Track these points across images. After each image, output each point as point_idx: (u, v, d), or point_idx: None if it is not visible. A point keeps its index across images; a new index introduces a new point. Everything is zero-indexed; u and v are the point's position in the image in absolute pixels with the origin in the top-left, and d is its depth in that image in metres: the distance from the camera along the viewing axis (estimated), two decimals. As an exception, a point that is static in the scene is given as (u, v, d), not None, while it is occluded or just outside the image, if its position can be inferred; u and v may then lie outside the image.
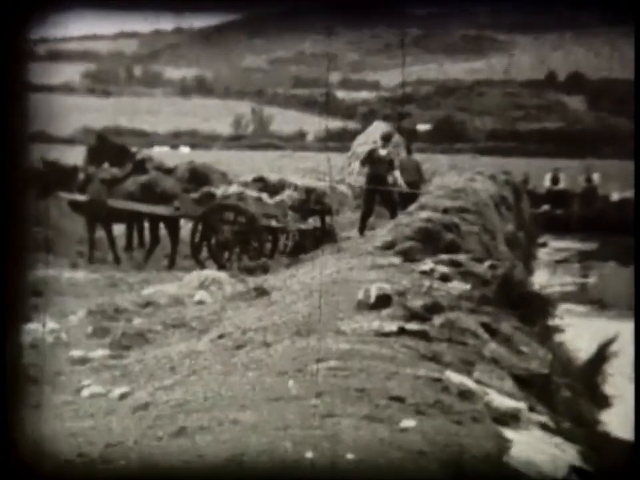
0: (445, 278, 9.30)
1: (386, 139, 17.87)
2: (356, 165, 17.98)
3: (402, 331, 6.71)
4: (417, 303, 7.59)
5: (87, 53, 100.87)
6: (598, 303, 16.60)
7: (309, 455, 4.14)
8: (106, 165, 16.36)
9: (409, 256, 10.80)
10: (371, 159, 17.20)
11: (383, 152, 17.17)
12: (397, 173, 17.24)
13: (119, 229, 16.72)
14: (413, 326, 6.87)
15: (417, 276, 9.31)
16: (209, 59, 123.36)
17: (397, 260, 10.62)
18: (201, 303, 10.17)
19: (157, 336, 8.33)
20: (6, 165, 4.07)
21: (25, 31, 4.17)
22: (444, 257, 10.52)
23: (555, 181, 30.97)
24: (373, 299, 7.72)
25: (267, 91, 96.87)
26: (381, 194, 17.03)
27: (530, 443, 4.77)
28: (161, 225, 16.11)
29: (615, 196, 29.83)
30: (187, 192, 15.89)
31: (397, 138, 25.89)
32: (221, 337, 7.27)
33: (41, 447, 4.13)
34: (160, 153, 29.67)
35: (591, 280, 21.20)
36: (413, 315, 7.26)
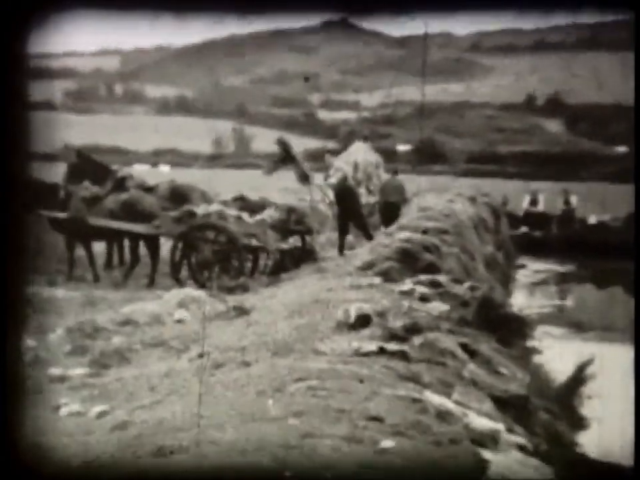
0: (424, 298, 9.32)
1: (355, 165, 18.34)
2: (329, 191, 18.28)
3: (381, 351, 6.73)
4: (396, 323, 7.61)
5: (67, 70, 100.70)
6: (575, 325, 16.66)
7: (288, 474, 4.14)
8: (86, 183, 16.31)
9: (388, 276, 10.83)
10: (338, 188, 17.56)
11: (337, 175, 17.58)
12: (365, 194, 17.47)
13: (99, 247, 16.65)
14: (392, 346, 6.89)
15: (396, 296, 9.33)
16: (189, 77, 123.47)
17: (376, 280, 10.64)
18: (180, 321, 10.15)
19: (136, 355, 8.30)
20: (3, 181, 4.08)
21: (16, 44, 4.18)
22: (423, 277, 10.54)
23: (533, 203, 31.13)
24: (352, 319, 7.73)
25: (247, 110, 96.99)
26: (352, 216, 17.23)
27: (508, 465, 4.78)
28: (141, 244, 16.07)
29: (593, 219, 30.00)
30: (167, 210, 15.86)
31: (377, 158, 25.98)
32: (200, 356, 7.25)
33: (40, 450, 4.12)
34: (140, 171, 29.61)
35: (569, 302, 21.28)
36: (392, 335, 7.28)
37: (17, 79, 4.33)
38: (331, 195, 18.01)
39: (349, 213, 17.21)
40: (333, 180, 17.43)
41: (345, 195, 17.23)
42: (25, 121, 4.47)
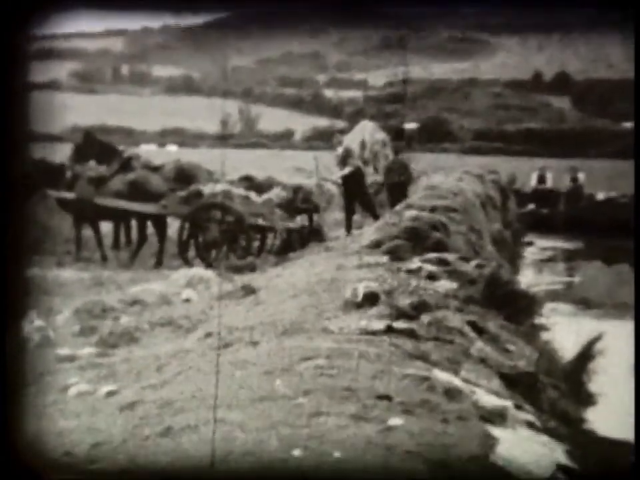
0: (432, 277, 9.31)
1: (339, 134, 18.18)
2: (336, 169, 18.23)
3: (389, 330, 6.72)
4: (404, 301, 7.60)
5: (74, 50, 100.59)
6: (583, 302, 16.66)
7: (296, 453, 4.14)
8: (93, 163, 16.32)
9: (396, 255, 10.82)
10: (343, 159, 17.42)
11: (338, 151, 17.44)
12: (349, 169, 17.35)
13: (106, 227, 16.67)
14: (400, 324, 6.88)
15: (404, 275, 9.32)
16: (196, 58, 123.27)
17: (384, 259, 10.63)
18: (188, 301, 10.16)
19: (143, 334, 8.32)
20: (5, 164, 4.07)
21: (18, 29, 4.16)
22: (431, 255, 10.52)
23: (541, 180, 31.07)
24: (360, 298, 7.73)
25: (254, 90, 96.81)
26: (359, 196, 17.18)
27: (516, 442, 4.78)
28: (148, 224, 16.08)
29: (601, 195, 29.96)
30: (174, 190, 15.87)
31: (383, 137, 25.93)
32: (208, 335, 7.26)
33: (38, 446, 4.12)
34: (147, 151, 29.61)
35: (577, 279, 21.28)
36: (400, 314, 7.27)
37: (22, 60, 4.32)
38: (337, 174, 17.97)
39: (356, 192, 17.18)
40: (347, 170, 17.35)
41: (350, 175, 17.19)
42: (30, 102, 4.45)
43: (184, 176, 16.53)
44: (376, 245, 11.60)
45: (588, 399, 8.99)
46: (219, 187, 15.92)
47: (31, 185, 14.17)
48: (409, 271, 9.57)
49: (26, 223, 4.24)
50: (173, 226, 16.09)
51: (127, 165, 16.36)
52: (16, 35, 4.25)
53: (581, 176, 30.78)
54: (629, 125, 64.68)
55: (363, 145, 24.27)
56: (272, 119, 75.32)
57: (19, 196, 4.19)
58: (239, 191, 16.05)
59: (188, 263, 14.91)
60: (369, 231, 13.58)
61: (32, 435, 4.22)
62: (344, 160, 17.27)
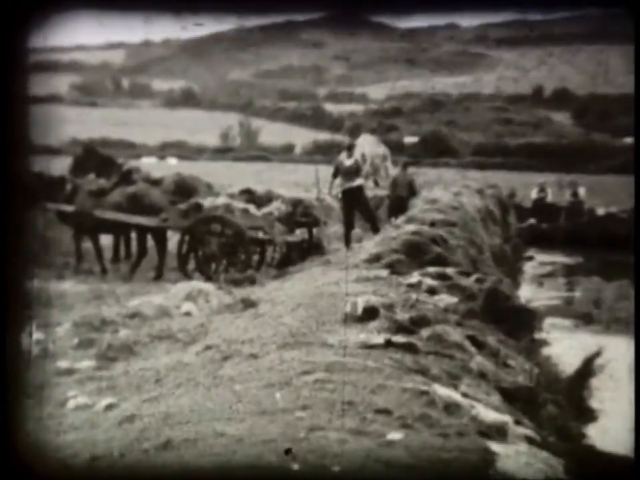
0: (432, 291, 9.32)
1: (349, 148, 18.01)
2: (330, 179, 18.11)
3: (389, 344, 6.72)
4: (403, 315, 7.61)
5: (74, 63, 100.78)
6: (583, 317, 16.63)
7: (295, 467, 4.13)
8: (92, 176, 16.33)
9: (395, 269, 10.82)
10: (338, 171, 17.34)
11: (348, 162, 17.28)
12: (361, 181, 17.30)
13: (105, 240, 16.67)
14: (399, 339, 6.88)
15: (403, 289, 9.33)
16: (196, 71, 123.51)
17: (384, 273, 10.63)
18: (187, 314, 10.15)
19: (143, 347, 8.30)
20: (5, 176, 4.08)
21: (18, 39, 4.18)
22: (431, 270, 10.53)
23: (541, 195, 31.11)
24: (359, 312, 7.73)
25: (254, 103, 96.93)
26: (358, 208, 17.13)
27: (516, 457, 4.77)
28: (148, 237, 16.07)
29: (601, 210, 29.98)
30: (174, 203, 15.86)
31: (384, 150, 25.98)
32: (207, 348, 7.25)
33: (41, 449, 4.12)
34: (147, 164, 29.64)
35: (577, 294, 21.26)
36: (399, 328, 7.28)
37: (21, 73, 4.33)
38: (337, 188, 17.95)
39: (356, 205, 17.17)
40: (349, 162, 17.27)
41: (352, 188, 17.18)
42: (30, 115, 4.46)
43: (184, 189, 16.53)
44: (376, 259, 11.61)
45: (588, 415, 8.98)
46: (219, 200, 15.92)
47: (30, 197, 14.17)
48: (409, 285, 9.58)
49: (25, 235, 4.24)
50: (173, 239, 16.09)
51: (126, 177, 16.36)
52: (16, 46, 4.27)
53: (581, 191, 30.81)
54: (629, 140, 64.80)
55: (363, 159, 24.28)
56: (272, 132, 75.38)
57: (18, 208, 4.20)
58: (239, 204, 16.05)
59: (187, 276, 14.90)
60: (369, 245, 13.58)
61: (32, 445, 4.22)
62: (350, 173, 17.25)
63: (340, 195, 17.62)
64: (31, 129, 4.51)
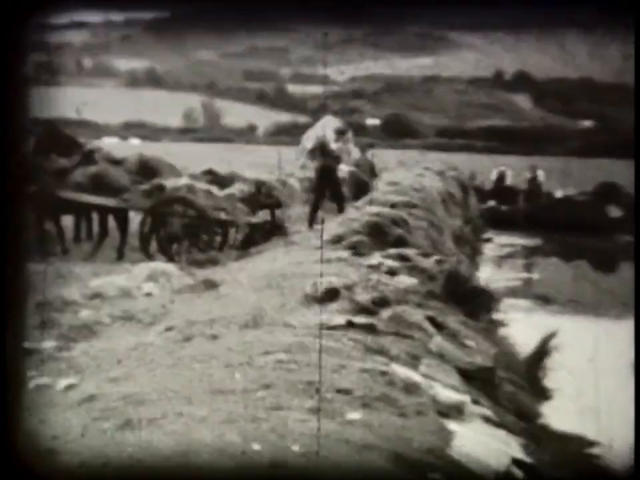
0: (392, 272, 9.39)
1: (340, 133, 17.97)
2: (303, 158, 18.02)
3: (349, 325, 6.78)
4: (364, 296, 7.67)
5: (37, 43, 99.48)
6: (541, 298, 16.81)
7: (256, 447, 4.17)
8: (54, 156, 16.18)
9: (357, 250, 10.88)
10: (320, 151, 17.30)
11: (334, 146, 17.28)
12: (344, 167, 17.33)
13: (67, 221, 16.56)
14: (360, 319, 6.94)
15: (365, 270, 9.39)
16: (159, 51, 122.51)
17: (345, 254, 10.69)
18: (149, 295, 10.13)
19: (104, 328, 8.29)
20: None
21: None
22: (392, 251, 10.61)
23: (501, 177, 31.35)
24: (321, 293, 7.77)
25: (218, 84, 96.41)
26: (330, 188, 17.12)
27: (473, 436, 4.85)
28: (110, 217, 15.99)
29: (559, 193, 30.29)
30: (136, 184, 15.78)
31: (347, 133, 25.98)
32: (168, 329, 7.26)
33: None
34: (109, 144, 29.41)
35: (535, 275, 21.48)
36: (360, 309, 7.34)
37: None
38: (304, 159, 17.92)
39: (329, 185, 17.17)
40: (315, 142, 17.24)
41: (326, 161, 17.13)
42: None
43: (146, 170, 16.43)
44: (337, 240, 11.66)
45: (544, 394, 9.10)
46: (182, 181, 15.87)
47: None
48: (370, 266, 9.65)
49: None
50: (135, 220, 16.01)
51: (88, 158, 16.23)
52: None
53: (540, 173, 31.07)
54: (587, 123, 65.36)
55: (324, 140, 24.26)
56: (235, 114, 75.08)
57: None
58: (201, 185, 16.00)
59: (149, 256, 14.85)
60: (331, 226, 13.64)
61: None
62: (319, 153, 17.22)
63: (315, 175, 17.59)
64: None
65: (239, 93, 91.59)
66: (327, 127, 25.25)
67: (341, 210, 16.73)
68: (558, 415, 8.51)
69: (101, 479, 4.00)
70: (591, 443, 7.88)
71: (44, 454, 4.16)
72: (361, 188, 19.84)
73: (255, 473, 3.95)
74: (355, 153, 23.62)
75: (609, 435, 7.62)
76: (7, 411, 4.09)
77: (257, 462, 4.02)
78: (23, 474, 3.96)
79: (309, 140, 20.61)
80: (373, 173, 21.29)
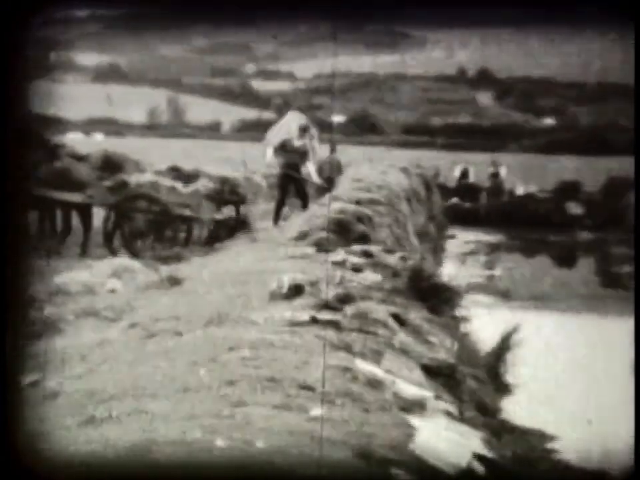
0: (356, 269, 9.44)
1: (303, 129, 17.96)
2: (269, 154, 17.97)
3: (314, 321, 6.80)
4: (329, 293, 7.70)
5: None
6: (503, 294, 16.95)
7: (219, 443, 4.18)
8: (20, 151, 16.05)
9: (322, 247, 10.92)
10: (285, 148, 17.26)
11: (298, 143, 17.26)
12: (310, 165, 17.32)
13: (30, 216, 16.41)
14: (324, 316, 6.97)
15: (329, 266, 9.41)
16: (124, 46, 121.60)
17: (310, 250, 10.72)
18: (113, 291, 10.11)
19: (67, 324, 8.26)
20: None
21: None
22: (356, 248, 10.66)
23: (464, 174, 31.54)
24: (285, 289, 7.79)
25: (182, 80, 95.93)
26: (295, 184, 17.10)
27: (435, 431, 4.89)
28: (74, 213, 15.90)
29: (520, 190, 30.57)
30: (100, 180, 15.71)
31: (312, 130, 26.02)
32: (132, 326, 7.25)
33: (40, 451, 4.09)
34: (73, 140, 29.18)
35: (497, 271, 21.66)
36: (324, 305, 7.36)
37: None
38: (269, 155, 17.85)
39: (294, 182, 17.14)
40: (280, 138, 17.18)
41: (291, 157, 17.11)
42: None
43: (110, 165, 16.36)
44: (302, 237, 11.69)
45: (505, 389, 9.19)
46: (146, 177, 15.82)
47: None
48: (334, 263, 9.68)
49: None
50: (99, 215, 15.93)
51: (53, 153, 16.13)
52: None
53: (503, 171, 31.32)
54: (549, 120, 65.82)
55: (289, 136, 24.24)
56: (200, 109, 74.77)
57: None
58: (166, 181, 15.96)
59: (113, 253, 14.79)
60: (296, 223, 13.66)
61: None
62: (282, 150, 17.19)
63: (280, 171, 17.56)
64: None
65: (204, 88, 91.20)
66: (291, 123, 25.25)
67: (305, 206, 16.74)
68: (518, 409, 8.61)
69: (64, 476, 4.00)
70: (551, 437, 7.99)
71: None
72: (327, 185, 19.87)
73: (219, 469, 3.97)
74: (321, 150, 23.65)
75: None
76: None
77: (220, 458, 4.04)
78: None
79: (273, 136, 20.55)
80: (339, 169, 21.37)
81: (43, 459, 4.05)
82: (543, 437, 7.97)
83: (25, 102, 4.35)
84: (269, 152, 17.77)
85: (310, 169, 17.33)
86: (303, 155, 17.19)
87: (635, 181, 6.68)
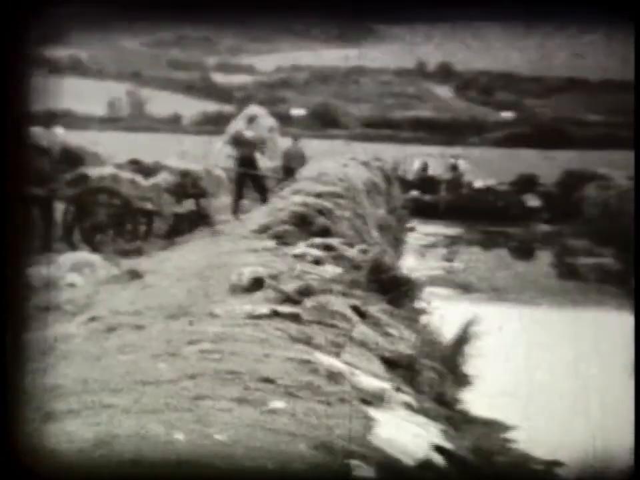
0: (317, 262, 9.48)
1: (250, 120, 17.97)
2: (218, 147, 17.99)
3: (274, 314, 6.83)
4: (289, 286, 7.72)
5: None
6: (462, 286, 17.07)
7: (179, 437, 4.19)
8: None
9: (282, 240, 10.94)
10: (235, 141, 17.24)
11: (248, 134, 17.24)
12: (260, 155, 17.30)
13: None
14: (285, 309, 7.00)
15: (290, 259, 9.45)
16: (84, 39, 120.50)
17: (271, 243, 10.74)
18: (73, 285, 10.06)
19: (28, 319, 8.19)
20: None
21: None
22: (317, 240, 10.70)
23: (424, 167, 31.70)
24: (246, 282, 7.81)
25: (143, 72, 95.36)
26: (251, 178, 17.10)
27: (394, 423, 4.94)
28: (34, 207, 15.78)
29: (479, 183, 30.80)
30: (60, 173, 15.61)
31: (272, 122, 26.03)
32: (93, 319, 7.22)
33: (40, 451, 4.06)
34: (33, 133, 28.89)
35: (456, 264, 21.79)
36: (285, 298, 7.39)
37: None
38: (222, 148, 17.85)
39: (249, 175, 17.13)
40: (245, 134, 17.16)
41: (244, 158, 17.11)
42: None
43: (71, 159, 16.28)
44: (263, 230, 11.71)
45: (464, 380, 9.27)
46: (106, 171, 15.75)
47: None
48: (295, 256, 9.72)
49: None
50: (59, 209, 15.82)
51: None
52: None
53: (462, 164, 31.52)
54: (508, 114, 66.33)
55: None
56: (161, 103, 74.38)
57: None
58: (126, 174, 15.92)
59: (73, 246, 14.71)
60: (257, 216, 13.68)
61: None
62: (237, 144, 17.15)
63: (234, 165, 17.56)
64: None
65: (165, 82, 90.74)
66: (245, 116, 25.25)
67: (264, 200, 16.73)
68: (477, 400, 8.69)
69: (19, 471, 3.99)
70: (509, 428, 8.08)
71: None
72: (288, 177, 19.89)
73: (179, 462, 3.98)
74: (283, 142, 23.67)
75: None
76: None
77: (180, 452, 4.05)
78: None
79: (232, 129, 20.55)
80: (303, 162, 21.38)
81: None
82: (501, 427, 8.06)
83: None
84: (218, 145, 17.77)
85: (259, 160, 17.35)
86: (254, 146, 17.17)
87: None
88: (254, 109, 25.58)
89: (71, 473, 3.94)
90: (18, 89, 4.09)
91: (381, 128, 60.78)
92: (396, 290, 9.12)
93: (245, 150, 17.00)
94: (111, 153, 19.11)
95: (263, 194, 17.31)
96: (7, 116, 4.09)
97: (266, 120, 25.64)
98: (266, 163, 22.82)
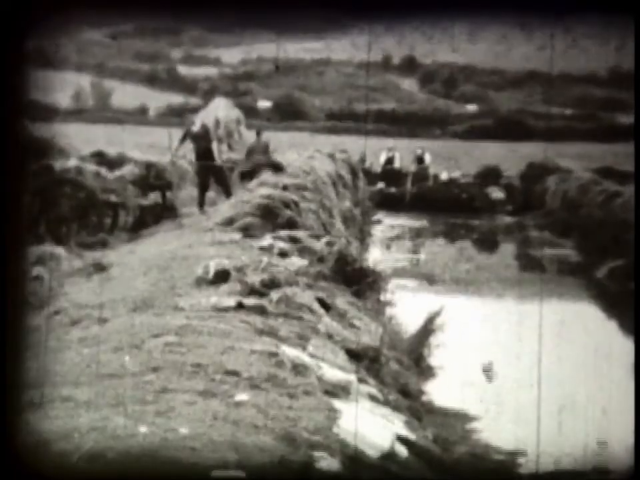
0: (283, 254, 9.47)
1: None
2: (187, 140, 17.90)
3: (239, 306, 6.83)
4: (255, 278, 7.72)
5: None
6: (427, 278, 17.11)
7: (143, 429, 4.18)
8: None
9: (248, 232, 10.93)
10: (186, 136, 17.15)
11: (195, 127, 17.17)
12: (214, 146, 17.17)
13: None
14: (250, 301, 6.99)
15: (256, 252, 9.43)
16: (47, 29, 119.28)
17: (236, 236, 10.72)
18: (37, 278, 9.98)
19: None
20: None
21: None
22: (283, 233, 10.69)
23: (389, 160, 31.75)
24: (211, 275, 7.79)
25: (107, 64, 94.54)
26: (213, 172, 17.00)
27: (359, 414, 4.96)
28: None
29: (444, 175, 30.94)
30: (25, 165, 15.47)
31: (237, 114, 25.94)
32: (56, 312, 7.19)
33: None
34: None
35: (422, 256, 21.88)
36: (251, 291, 7.39)
37: None
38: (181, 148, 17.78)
39: (209, 169, 17.06)
40: (195, 128, 17.08)
41: (204, 150, 17.04)
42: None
43: (35, 151, 16.13)
44: (229, 222, 11.67)
45: (427, 372, 9.32)
46: (70, 163, 15.63)
47: None
48: (261, 248, 9.70)
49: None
50: (25, 201, 15.68)
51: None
52: None
53: (427, 156, 31.61)
54: (472, 107, 66.61)
55: (217, 123, 24.16)
56: (125, 94, 73.84)
57: None
58: (91, 166, 15.80)
59: (38, 239, 14.60)
60: (222, 208, 13.64)
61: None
62: (200, 137, 17.07)
63: (194, 157, 17.47)
64: None
65: (129, 73, 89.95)
66: (218, 109, 25.17)
67: (227, 193, 16.64)
68: (440, 391, 8.74)
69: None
70: (472, 418, 8.13)
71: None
72: (254, 170, 19.82)
73: (142, 455, 3.97)
74: (246, 135, 23.60)
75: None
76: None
77: (143, 444, 4.04)
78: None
79: (205, 120, 20.47)
80: (268, 154, 21.25)
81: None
82: (464, 418, 8.11)
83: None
84: (187, 138, 17.68)
85: (220, 152, 17.28)
86: (205, 138, 17.05)
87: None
88: (225, 103, 25.53)
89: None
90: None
91: (345, 120, 60.72)
92: (361, 282, 9.15)
93: (201, 143, 16.89)
94: (75, 144, 18.94)
95: (225, 186, 17.20)
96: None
97: (232, 112, 25.56)
98: (230, 155, 22.75)
